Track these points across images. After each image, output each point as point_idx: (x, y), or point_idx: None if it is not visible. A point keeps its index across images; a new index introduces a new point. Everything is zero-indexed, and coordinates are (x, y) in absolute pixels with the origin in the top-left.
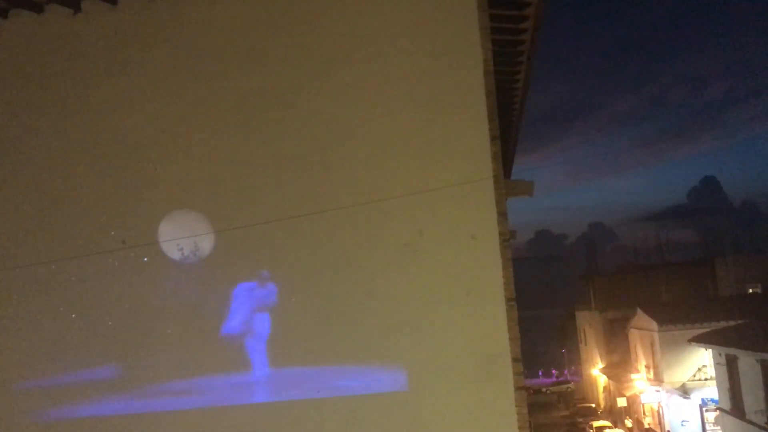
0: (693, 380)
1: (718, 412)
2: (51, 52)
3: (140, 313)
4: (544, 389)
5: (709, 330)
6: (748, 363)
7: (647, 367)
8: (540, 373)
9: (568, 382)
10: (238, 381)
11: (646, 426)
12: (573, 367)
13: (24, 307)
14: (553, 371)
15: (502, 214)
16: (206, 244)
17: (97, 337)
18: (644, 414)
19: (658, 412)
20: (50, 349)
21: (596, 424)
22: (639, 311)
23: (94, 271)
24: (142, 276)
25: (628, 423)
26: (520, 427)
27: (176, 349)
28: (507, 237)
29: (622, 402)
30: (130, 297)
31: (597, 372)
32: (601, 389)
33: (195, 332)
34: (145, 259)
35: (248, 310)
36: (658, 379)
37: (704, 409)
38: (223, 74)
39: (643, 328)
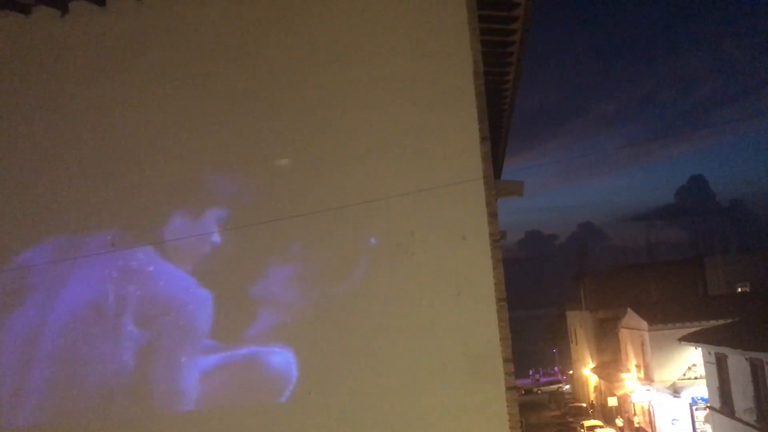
0: (683, 379)
1: (707, 411)
2: (39, 54)
3: (133, 314)
4: (535, 390)
5: (698, 329)
6: (737, 361)
7: (638, 366)
8: (531, 373)
9: (559, 381)
10: (231, 382)
11: (637, 425)
12: (551, 368)
13: (14, 308)
14: (531, 372)
15: (493, 215)
16: (197, 246)
17: (91, 339)
18: (635, 413)
19: (648, 411)
20: (41, 352)
21: (587, 423)
22: (629, 311)
23: (84, 273)
24: (133, 278)
25: (619, 422)
26: (511, 427)
27: (170, 351)
28: (497, 237)
29: (613, 401)
30: (121, 299)
31: (588, 372)
32: (592, 389)
33: (187, 334)
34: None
35: (238, 311)
36: (648, 378)
37: (694, 407)
38: (212, 75)
39: (633, 328)
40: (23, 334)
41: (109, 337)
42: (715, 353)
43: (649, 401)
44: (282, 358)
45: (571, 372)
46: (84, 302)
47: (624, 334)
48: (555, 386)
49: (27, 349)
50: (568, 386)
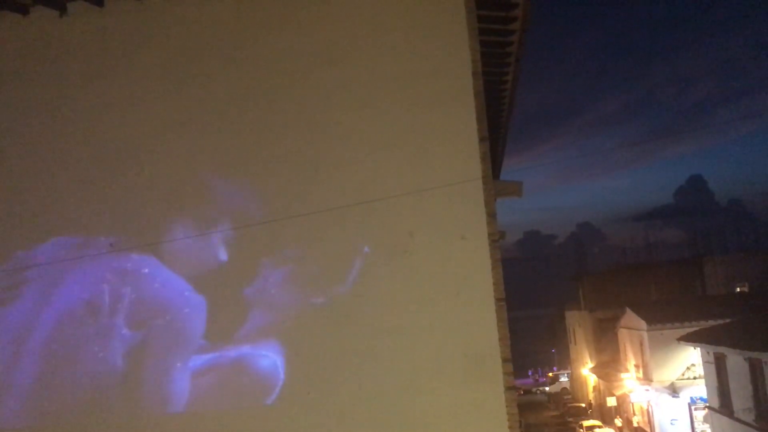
0: (682, 379)
1: (706, 411)
2: (37, 55)
3: (130, 315)
4: (534, 390)
5: (697, 329)
6: (736, 361)
7: (636, 366)
8: (530, 373)
9: (538, 383)
10: (230, 383)
11: (636, 425)
12: (551, 367)
13: (12, 309)
14: (530, 372)
15: (492, 215)
16: (195, 246)
17: (84, 340)
18: (634, 413)
19: (647, 411)
20: (33, 352)
21: (586, 423)
22: (628, 311)
23: (79, 273)
24: (129, 279)
25: (618, 422)
26: (510, 427)
27: (167, 353)
28: (496, 237)
29: (611, 401)
30: (117, 299)
31: (587, 372)
32: (591, 389)
33: (184, 335)
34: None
35: (235, 313)
36: (647, 378)
37: (693, 407)
38: (211, 76)
39: (632, 328)
40: (15, 333)
41: (105, 337)
42: (714, 353)
43: (648, 401)
44: (281, 359)
45: (550, 374)
46: (78, 303)
47: (623, 334)
48: (533, 388)
49: (19, 349)
50: (548, 387)
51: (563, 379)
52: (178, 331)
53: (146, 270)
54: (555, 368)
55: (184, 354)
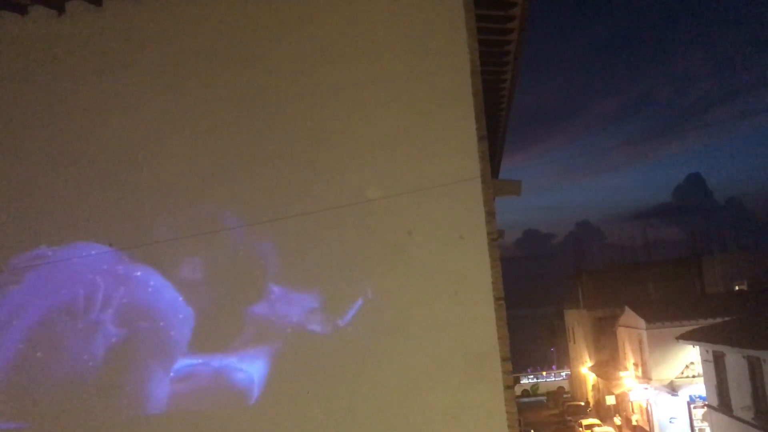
0: (681, 377)
1: (705, 409)
2: (35, 54)
3: (127, 316)
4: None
5: (696, 327)
6: (735, 359)
7: (635, 364)
8: (529, 371)
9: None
10: (228, 384)
11: (635, 423)
12: (550, 366)
13: (9, 309)
14: (530, 371)
15: (490, 214)
16: (194, 246)
17: (85, 339)
18: (633, 411)
19: (646, 409)
20: (38, 351)
21: (585, 422)
22: (627, 309)
23: (81, 273)
24: (128, 280)
25: (617, 420)
26: (509, 426)
27: (164, 353)
28: (495, 236)
29: (611, 400)
30: (116, 300)
31: (586, 370)
32: (590, 387)
33: (180, 336)
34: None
35: (233, 311)
36: (646, 377)
37: (692, 405)
38: (210, 75)
39: (631, 326)
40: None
41: (90, 340)
42: (713, 351)
43: (647, 399)
44: (279, 359)
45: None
46: (68, 304)
47: (622, 332)
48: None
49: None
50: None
51: (524, 380)
52: (174, 333)
53: (139, 273)
54: (554, 366)
55: (178, 354)
